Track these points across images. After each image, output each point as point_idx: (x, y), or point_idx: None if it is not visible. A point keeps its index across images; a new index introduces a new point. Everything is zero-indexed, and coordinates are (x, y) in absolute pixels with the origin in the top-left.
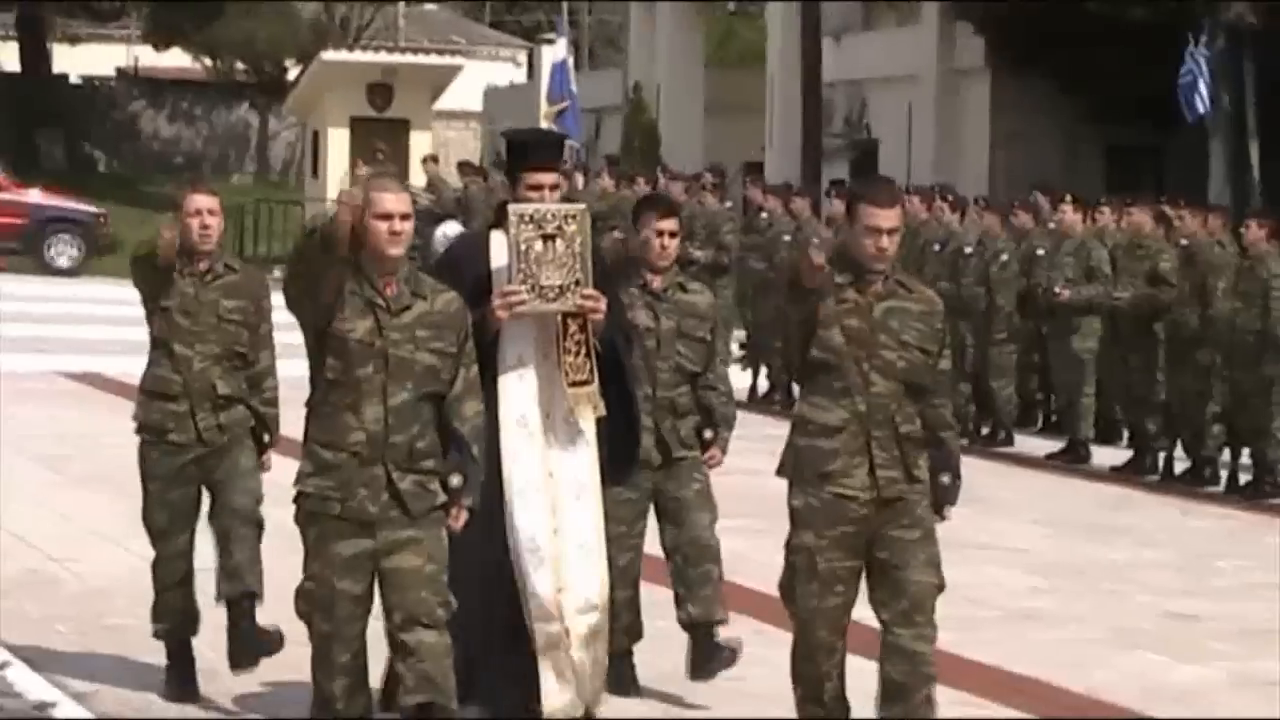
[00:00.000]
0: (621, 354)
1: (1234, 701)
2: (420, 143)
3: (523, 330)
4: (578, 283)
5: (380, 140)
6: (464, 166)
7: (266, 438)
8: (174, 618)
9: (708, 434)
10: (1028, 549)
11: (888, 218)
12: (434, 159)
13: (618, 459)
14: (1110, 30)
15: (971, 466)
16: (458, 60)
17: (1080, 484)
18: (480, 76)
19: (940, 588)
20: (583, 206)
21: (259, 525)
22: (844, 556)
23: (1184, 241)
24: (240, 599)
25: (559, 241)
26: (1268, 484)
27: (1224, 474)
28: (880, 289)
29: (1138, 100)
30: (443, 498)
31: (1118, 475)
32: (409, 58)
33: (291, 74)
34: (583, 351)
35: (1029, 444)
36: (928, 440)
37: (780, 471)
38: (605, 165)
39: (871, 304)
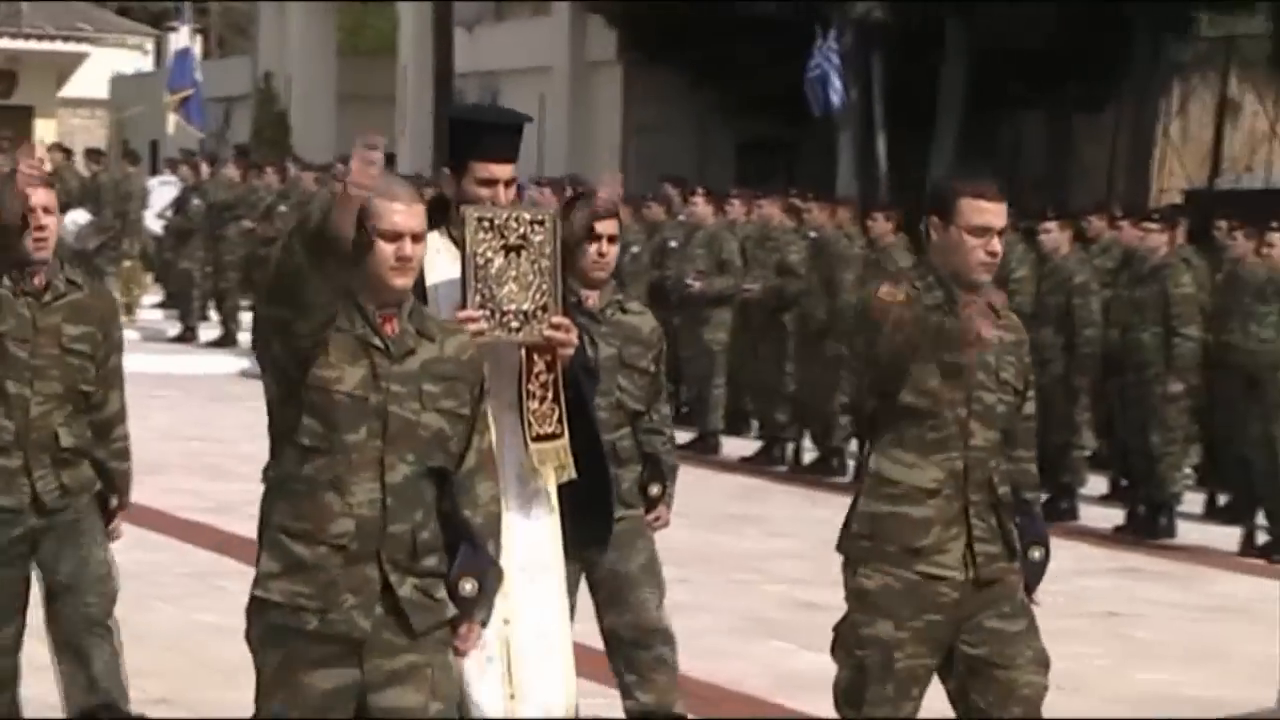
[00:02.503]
0: (585, 395)
1: None
2: (45, 130)
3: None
4: (545, 308)
5: (3, 128)
6: (91, 154)
7: (114, 501)
8: None
9: (653, 489)
10: (658, 538)
11: (998, 214)
12: (60, 147)
13: (586, 532)
14: (741, 25)
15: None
16: (84, 47)
17: (711, 475)
18: (107, 63)
19: (1046, 689)
20: (551, 210)
21: (114, 628)
22: (927, 653)
23: (813, 234)
24: (97, 711)
25: (524, 254)
26: None
27: (851, 464)
28: (975, 313)
29: (768, 94)
30: (450, 611)
31: (748, 466)
32: (33, 44)
33: None
34: (550, 396)
35: None
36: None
37: (846, 545)
38: (234, 155)
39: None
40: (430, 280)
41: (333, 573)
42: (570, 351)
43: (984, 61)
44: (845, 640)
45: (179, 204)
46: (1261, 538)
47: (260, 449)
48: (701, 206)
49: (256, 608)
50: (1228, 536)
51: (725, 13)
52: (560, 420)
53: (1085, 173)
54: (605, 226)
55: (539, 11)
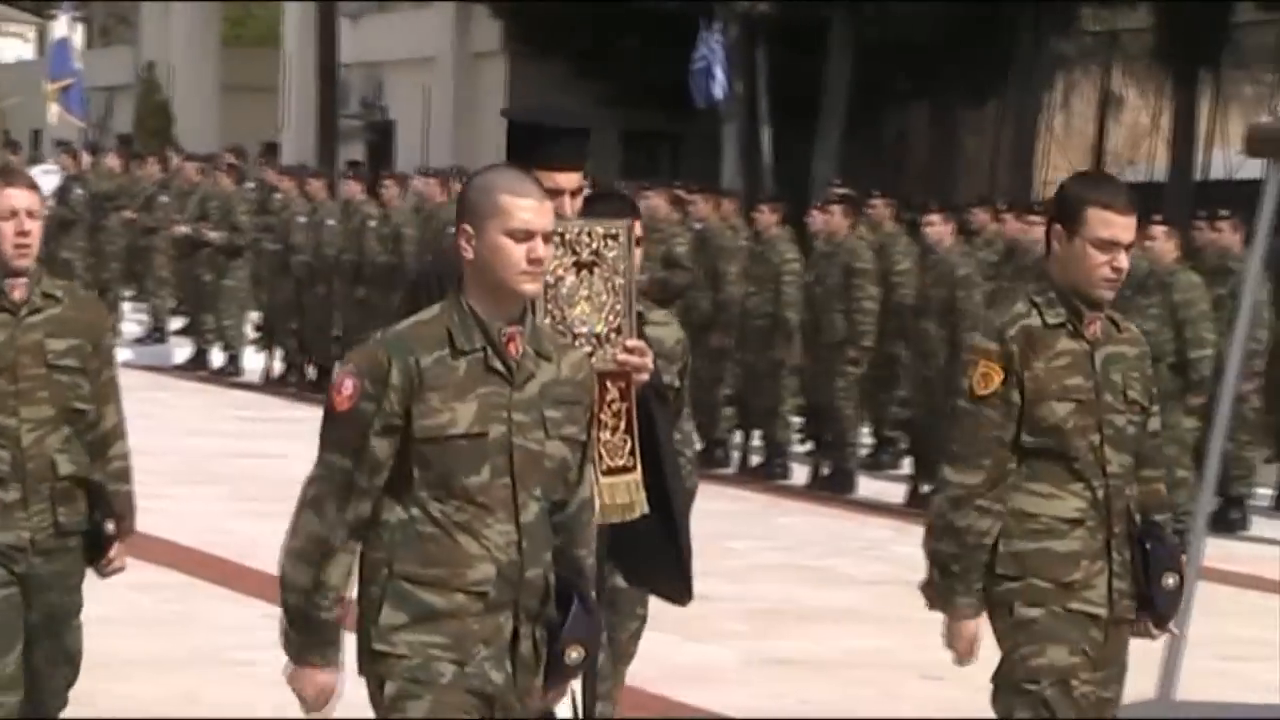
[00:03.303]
0: (658, 425)
1: (744, 679)
2: None
3: None
4: (618, 330)
5: None
6: None
7: (111, 526)
8: None
9: None
10: None
11: (1126, 228)
12: None
13: (657, 579)
14: (626, 16)
15: None
16: None
17: None
18: None
19: None
20: (626, 223)
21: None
22: (1099, 685)
23: (697, 226)
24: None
25: (596, 272)
26: (778, 465)
27: (736, 455)
28: (1099, 330)
29: (653, 86)
30: (538, 681)
31: None
32: None
33: None
34: (622, 426)
35: None
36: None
37: (992, 592)
38: (116, 145)
39: (1091, 351)
40: None
41: (468, 622)
42: (645, 377)
43: (869, 55)
44: (1013, 680)
45: (60, 193)
46: None
47: (142, 440)
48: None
49: (379, 663)
50: None
51: (610, 4)
52: (632, 452)
53: (969, 166)
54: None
55: (423, 2)
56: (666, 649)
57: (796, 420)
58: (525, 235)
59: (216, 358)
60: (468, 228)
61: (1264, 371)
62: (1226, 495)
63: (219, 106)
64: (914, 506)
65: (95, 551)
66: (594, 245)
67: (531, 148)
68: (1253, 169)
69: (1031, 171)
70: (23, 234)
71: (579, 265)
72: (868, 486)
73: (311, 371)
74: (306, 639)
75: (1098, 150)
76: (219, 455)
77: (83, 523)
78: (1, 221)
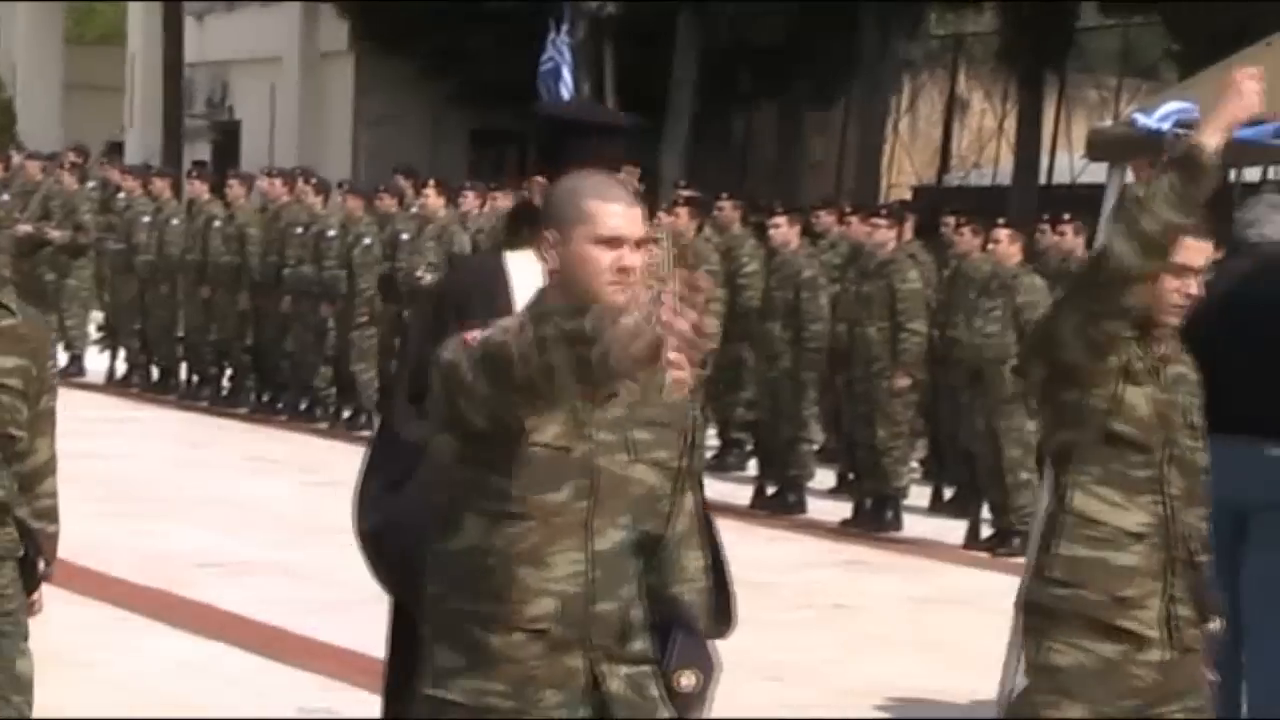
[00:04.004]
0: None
1: None
2: None
3: None
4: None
5: None
6: None
7: (43, 566)
8: None
9: None
10: None
11: (1200, 251)
12: None
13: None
14: (474, 16)
15: (333, 450)
16: None
17: None
18: None
19: None
20: (667, 227)
21: None
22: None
23: None
24: None
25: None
26: None
27: None
28: (1166, 350)
29: (501, 86)
30: (664, 712)
31: None
32: None
33: None
34: None
35: None
36: None
37: (1037, 593)
38: None
39: (1159, 369)
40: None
41: (529, 665)
42: (686, 393)
43: (715, 56)
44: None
45: None
46: (986, 530)
47: None
48: (433, 199)
49: (433, 711)
50: (953, 529)
51: (458, 4)
52: None
53: (815, 168)
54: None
55: (270, 2)
56: None
57: None
58: (614, 242)
59: (60, 358)
60: (551, 235)
61: None
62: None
63: (62, 104)
64: (758, 508)
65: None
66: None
67: (574, 147)
68: (1096, 173)
69: (878, 174)
70: None
71: None
72: (713, 488)
73: (155, 372)
74: None
75: (943, 153)
76: (62, 456)
77: (15, 548)
78: None
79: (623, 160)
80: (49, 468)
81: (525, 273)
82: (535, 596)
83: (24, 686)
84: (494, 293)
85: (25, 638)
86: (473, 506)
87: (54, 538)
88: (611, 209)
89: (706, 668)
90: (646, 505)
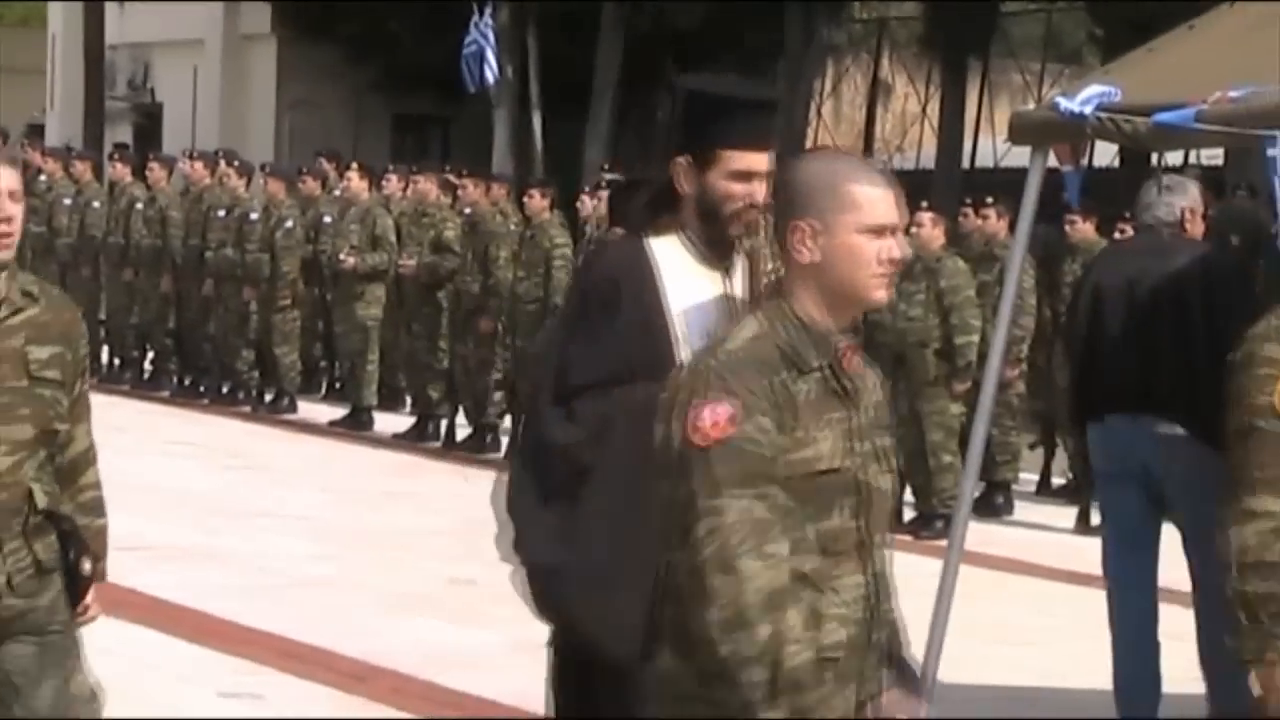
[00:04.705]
0: None
1: (510, 664)
2: None
3: None
4: None
5: None
6: None
7: (88, 566)
8: None
9: None
10: (310, 516)
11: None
12: None
13: None
14: (397, 0)
15: (255, 434)
16: None
17: (362, 450)
18: None
19: None
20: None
21: None
22: None
23: (467, 210)
24: None
25: None
26: None
27: (505, 441)
28: None
29: (424, 70)
30: None
31: (400, 442)
32: None
33: None
34: None
35: (312, 410)
36: None
37: (1249, 585)
38: None
39: None
40: (676, 304)
41: (822, 692)
42: None
43: (639, 41)
44: None
45: None
46: (909, 514)
47: None
48: (356, 182)
49: None
50: None
51: None
52: None
53: None
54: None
55: None
56: (436, 634)
57: None
58: (881, 231)
59: None
60: (809, 224)
61: (1028, 358)
62: (991, 480)
63: None
64: None
65: (69, 596)
66: None
67: (719, 125)
68: (1018, 157)
69: None
70: (4, 220)
71: None
72: None
73: None
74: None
75: (867, 137)
76: None
77: (59, 558)
78: None
79: (771, 139)
80: (89, 457)
81: (671, 260)
82: (827, 622)
83: (82, 708)
84: (641, 284)
85: (79, 654)
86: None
87: (102, 531)
88: (881, 194)
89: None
90: (891, 518)
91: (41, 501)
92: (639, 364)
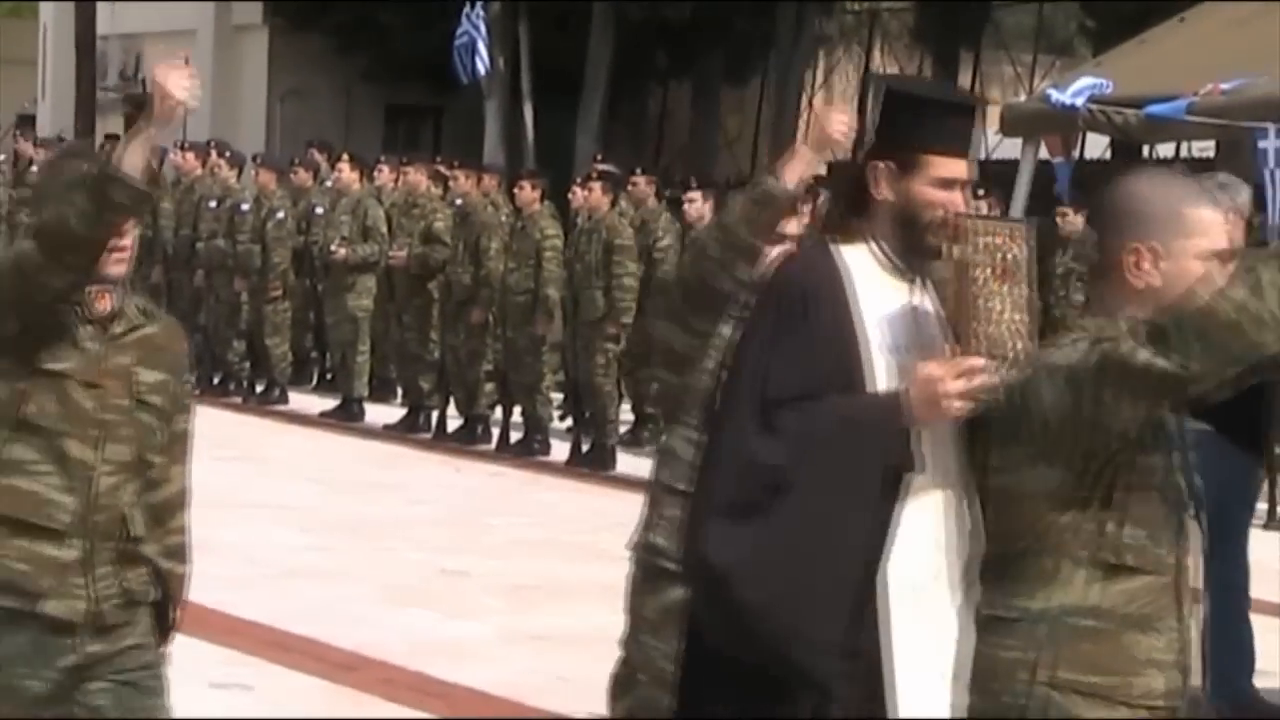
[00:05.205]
0: None
1: (501, 654)
2: None
3: (944, 435)
4: (1026, 354)
5: None
6: None
7: (174, 615)
8: None
9: None
10: (300, 506)
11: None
12: None
13: None
14: None
15: (246, 424)
16: None
17: (354, 441)
18: None
19: None
20: (1028, 222)
21: None
22: None
23: (459, 201)
24: None
25: (1009, 282)
26: (538, 441)
27: (496, 431)
28: None
29: (415, 60)
30: None
31: (391, 433)
32: None
33: None
34: None
35: (303, 401)
36: None
37: None
38: None
39: None
40: (867, 315)
41: None
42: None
43: (630, 33)
44: None
45: None
46: None
47: None
48: (347, 173)
49: None
50: None
51: None
52: None
53: (730, 144)
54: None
55: None
56: (426, 625)
57: (556, 397)
58: (1223, 256)
59: None
60: (1150, 248)
61: None
62: None
63: None
64: None
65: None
66: (1011, 251)
67: (924, 129)
68: (1010, 148)
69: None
70: (120, 234)
71: (996, 273)
72: (627, 463)
73: None
74: None
75: (859, 128)
76: None
77: (149, 591)
78: None
79: (972, 146)
80: (181, 500)
81: (861, 269)
82: (1145, 669)
83: None
84: (835, 294)
85: (167, 693)
86: (1071, 554)
87: (183, 580)
88: (1218, 219)
89: None
90: None
91: (136, 529)
92: (830, 376)
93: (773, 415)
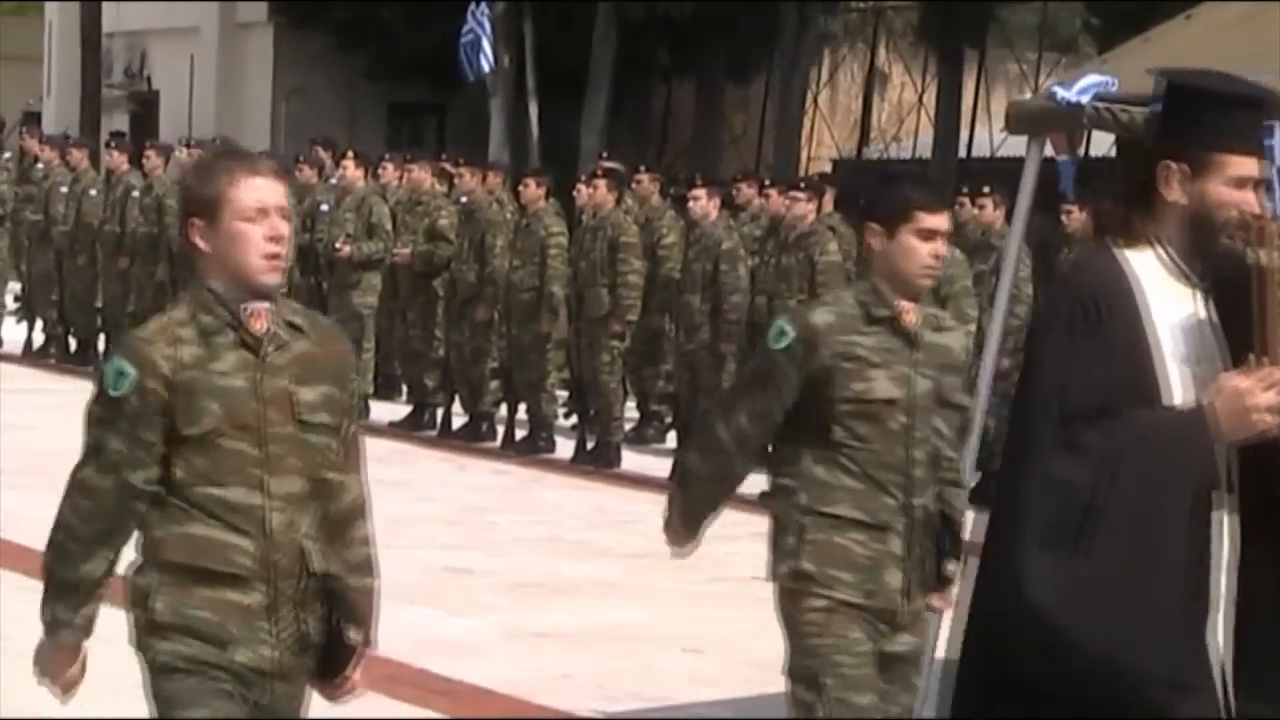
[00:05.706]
0: None
1: (503, 651)
2: None
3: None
4: None
5: None
6: None
7: (355, 635)
8: None
9: (949, 567)
10: None
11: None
12: None
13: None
14: None
15: None
16: None
17: None
18: None
19: None
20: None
21: None
22: None
23: (463, 199)
24: None
25: None
26: (543, 439)
27: (500, 429)
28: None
29: (419, 58)
30: None
31: (396, 430)
32: None
33: None
34: None
35: None
36: None
37: None
38: None
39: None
40: (1159, 325)
41: None
42: None
43: (634, 31)
44: None
45: None
46: None
47: None
48: (352, 170)
49: None
50: None
51: None
52: None
53: (735, 142)
54: (936, 221)
55: None
56: (426, 622)
57: (561, 394)
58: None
59: None
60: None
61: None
62: (987, 470)
63: None
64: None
65: (328, 664)
66: None
67: (1218, 126)
68: (1015, 146)
69: (797, 147)
70: (275, 239)
71: None
72: (632, 460)
73: (72, 343)
74: None
75: (863, 126)
76: None
77: (323, 633)
78: (245, 223)
79: (1260, 143)
80: (360, 508)
81: (1150, 276)
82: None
83: None
84: (1127, 302)
85: None
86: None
87: (370, 593)
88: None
89: None
90: None
91: (315, 564)
92: (1126, 388)
93: (1074, 432)
